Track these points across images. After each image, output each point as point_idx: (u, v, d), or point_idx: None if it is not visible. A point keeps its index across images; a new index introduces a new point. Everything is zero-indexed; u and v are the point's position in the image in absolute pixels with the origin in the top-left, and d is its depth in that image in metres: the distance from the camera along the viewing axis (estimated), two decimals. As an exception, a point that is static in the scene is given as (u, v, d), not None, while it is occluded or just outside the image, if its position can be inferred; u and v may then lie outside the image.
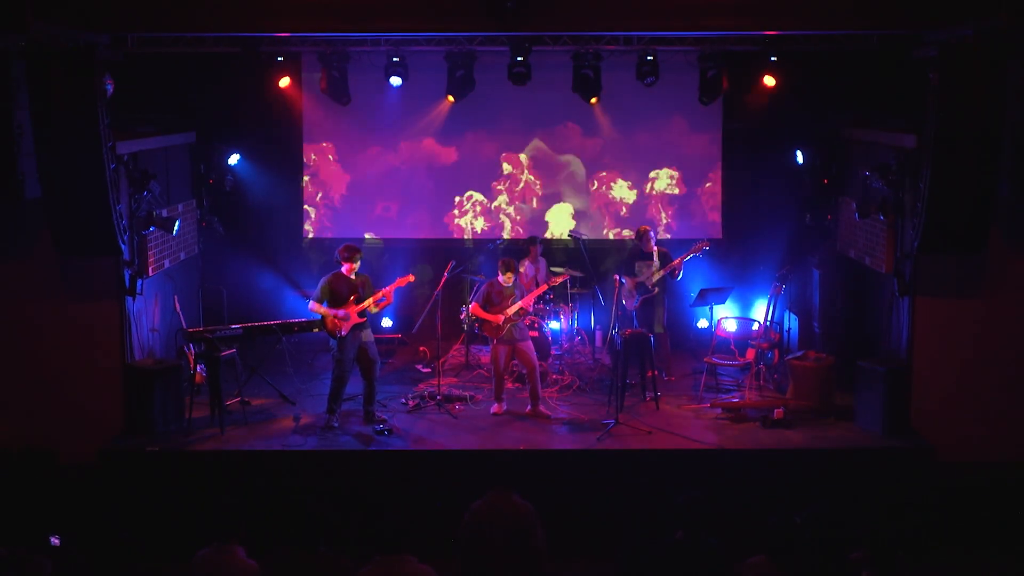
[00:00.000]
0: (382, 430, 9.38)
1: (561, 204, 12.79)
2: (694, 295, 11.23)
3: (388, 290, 9.56)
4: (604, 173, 12.74)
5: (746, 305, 12.32)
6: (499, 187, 12.80)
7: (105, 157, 8.45)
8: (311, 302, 9.51)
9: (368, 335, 9.65)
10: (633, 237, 11.54)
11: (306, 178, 12.78)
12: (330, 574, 5.54)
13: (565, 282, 11.23)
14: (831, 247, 11.67)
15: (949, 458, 8.99)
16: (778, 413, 9.57)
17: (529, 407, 9.92)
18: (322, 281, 9.53)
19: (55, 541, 5.54)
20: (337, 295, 9.43)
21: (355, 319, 9.43)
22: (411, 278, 9.78)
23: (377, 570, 5.43)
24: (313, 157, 12.75)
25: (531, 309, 10.05)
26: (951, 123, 8.29)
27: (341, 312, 9.39)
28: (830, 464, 8.95)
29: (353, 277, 9.49)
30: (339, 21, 8.78)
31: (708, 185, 12.68)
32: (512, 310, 9.76)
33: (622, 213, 12.76)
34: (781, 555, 5.32)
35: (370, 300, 9.46)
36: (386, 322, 12.45)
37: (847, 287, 11.33)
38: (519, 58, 10.41)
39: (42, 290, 9.43)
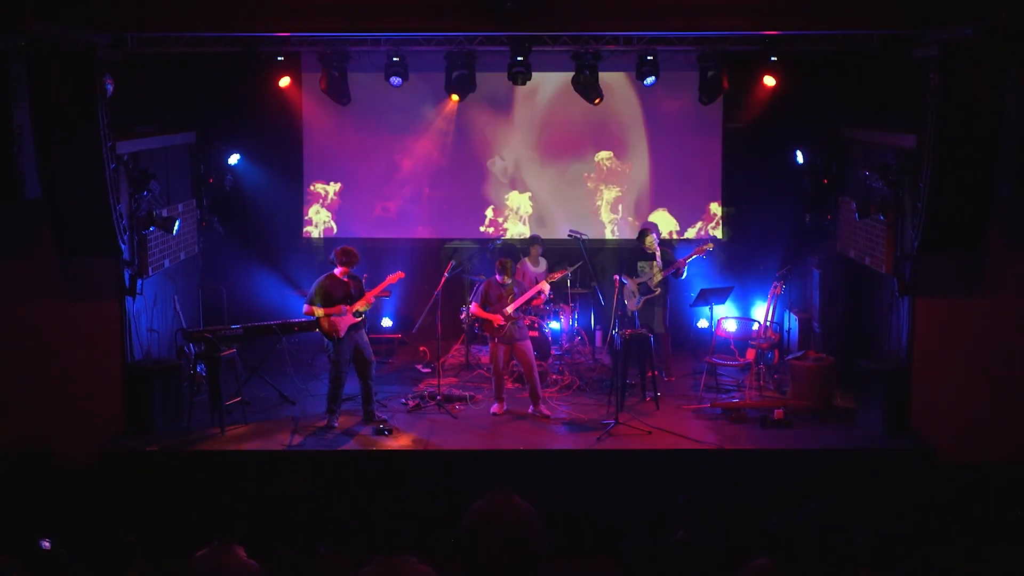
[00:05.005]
0: (382, 430, 9.38)
1: (559, 202, 12.80)
2: (694, 295, 11.23)
3: (381, 288, 9.63)
4: (604, 173, 12.74)
5: (746, 305, 12.32)
6: (498, 186, 12.80)
7: (105, 157, 8.45)
8: (305, 305, 9.50)
9: (363, 335, 9.66)
10: (635, 237, 11.53)
11: (306, 178, 12.78)
12: (330, 574, 5.54)
13: (566, 283, 11.23)
14: (831, 247, 11.67)
15: (949, 458, 8.99)
16: (778, 413, 9.57)
17: (531, 407, 9.93)
18: (315, 284, 9.53)
19: (45, 545, 5.53)
20: (331, 297, 9.43)
21: (351, 319, 9.44)
22: (401, 274, 9.81)
23: (377, 570, 5.44)
24: (312, 157, 12.76)
25: (547, 294, 10.01)
26: (951, 123, 8.28)
27: (336, 310, 9.38)
28: (830, 464, 8.95)
29: (346, 279, 9.50)
30: (339, 21, 8.78)
31: (708, 185, 12.67)
32: (510, 309, 9.76)
33: (622, 213, 12.75)
34: (782, 556, 5.32)
35: (363, 300, 9.47)
36: (386, 322, 12.46)
37: (847, 287, 11.33)
38: (519, 58, 10.41)
39: (42, 290, 9.43)
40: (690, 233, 12.61)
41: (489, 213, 12.79)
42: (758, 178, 12.45)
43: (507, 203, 12.81)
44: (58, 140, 8.34)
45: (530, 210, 12.82)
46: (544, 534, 6.21)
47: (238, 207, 12.50)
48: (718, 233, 12.65)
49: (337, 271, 9.50)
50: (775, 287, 10.88)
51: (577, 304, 11.97)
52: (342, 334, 9.42)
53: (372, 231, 12.84)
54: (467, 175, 12.80)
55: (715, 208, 12.68)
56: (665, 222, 12.68)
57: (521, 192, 12.80)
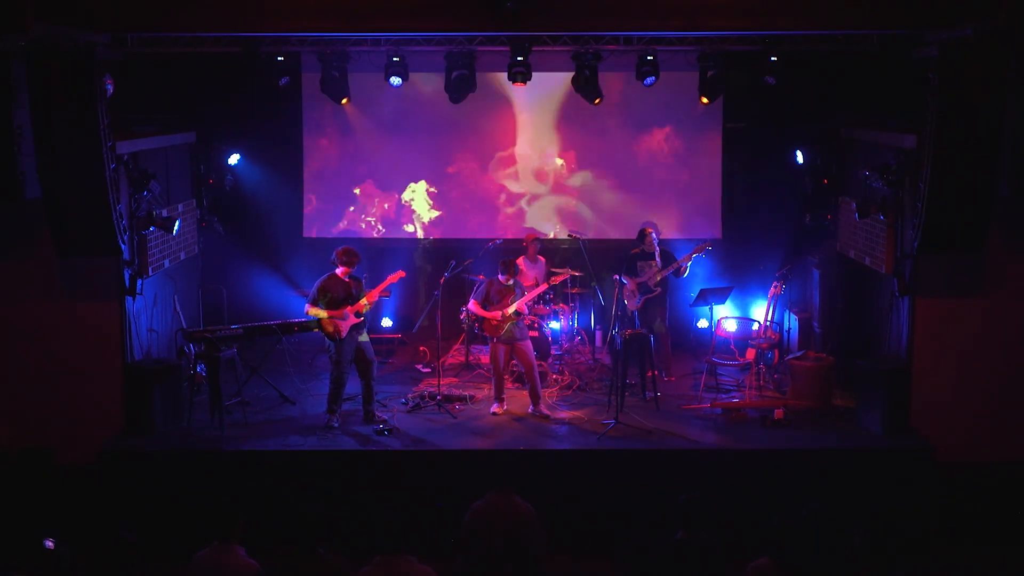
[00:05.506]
0: (382, 430, 9.38)
1: (558, 201, 12.81)
2: (694, 295, 11.23)
3: (382, 288, 9.66)
4: (604, 173, 12.74)
5: (746, 305, 12.32)
6: (497, 185, 12.80)
7: (105, 157, 8.45)
8: (307, 306, 9.50)
9: (365, 335, 9.66)
10: (635, 237, 11.53)
11: (306, 178, 12.78)
12: (330, 574, 5.55)
13: (565, 282, 11.22)
14: (831, 247, 11.67)
15: (949, 458, 8.98)
16: (778, 413, 9.57)
17: (531, 407, 9.93)
18: (317, 284, 9.53)
19: (49, 544, 5.53)
20: (332, 297, 9.43)
21: (352, 319, 9.44)
22: (402, 273, 9.82)
23: (377, 570, 5.44)
24: (313, 157, 12.76)
25: (526, 311, 10.04)
26: (951, 123, 8.28)
27: (339, 313, 9.39)
28: (830, 464, 8.95)
29: (347, 280, 9.50)
30: (339, 21, 8.78)
31: (708, 185, 12.67)
32: (510, 309, 9.77)
33: (622, 213, 12.74)
34: (782, 556, 5.32)
35: (365, 300, 9.48)
36: (386, 322, 12.46)
37: (847, 287, 11.33)
38: (519, 58, 10.41)
39: (42, 290, 9.43)
40: (690, 233, 12.60)
41: (489, 212, 12.80)
42: (758, 178, 12.46)
43: (506, 202, 12.82)
44: (58, 140, 8.35)
45: (528, 209, 12.82)
46: (544, 534, 6.22)
47: (238, 207, 12.50)
48: (718, 233, 12.64)
49: (339, 271, 9.50)
50: (775, 287, 10.88)
51: (577, 304, 11.98)
52: (344, 335, 9.41)
53: (372, 231, 12.84)
54: (467, 175, 12.79)
55: (714, 208, 12.67)
56: (665, 222, 12.67)
57: (521, 190, 12.80)
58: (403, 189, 12.80)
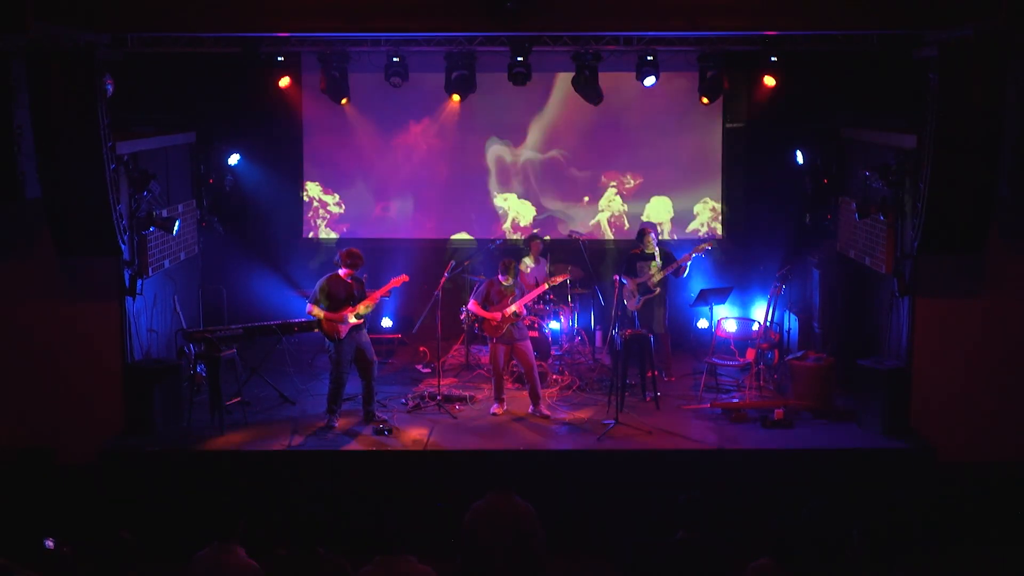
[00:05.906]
0: (382, 430, 9.39)
1: (559, 202, 12.81)
2: (694, 295, 11.23)
3: (384, 291, 9.64)
4: (604, 173, 12.74)
5: (746, 305, 12.32)
6: (498, 186, 12.81)
7: (105, 157, 8.45)
8: (308, 305, 9.51)
9: (365, 336, 9.66)
10: (634, 238, 11.53)
11: (306, 178, 12.78)
12: (330, 574, 5.55)
13: (565, 282, 11.24)
14: (831, 247, 11.66)
15: (949, 458, 8.99)
16: (778, 413, 9.57)
17: (531, 408, 9.93)
18: (318, 284, 9.54)
19: (49, 544, 5.54)
20: (333, 298, 9.43)
21: (352, 321, 9.43)
22: (405, 278, 9.81)
23: (377, 570, 5.44)
24: (313, 157, 12.76)
25: (524, 312, 10.04)
26: (951, 123, 8.28)
27: (339, 317, 9.39)
28: (830, 464, 8.95)
29: (349, 281, 9.50)
30: (339, 21, 8.78)
31: (708, 185, 12.67)
32: (510, 310, 9.77)
33: (622, 213, 12.75)
34: (783, 556, 5.32)
35: (366, 302, 9.47)
36: (386, 322, 12.45)
37: (847, 287, 11.32)
38: (519, 58, 10.41)
39: (42, 290, 9.43)
40: (690, 233, 12.61)
41: (489, 212, 12.81)
42: (758, 178, 12.46)
43: (507, 202, 12.82)
44: (58, 140, 8.34)
45: (532, 210, 12.82)
46: (544, 534, 6.22)
47: (238, 207, 12.50)
48: (717, 233, 12.64)
49: (341, 272, 9.50)
50: (775, 287, 10.88)
51: (577, 304, 11.97)
52: (343, 335, 9.41)
53: (373, 231, 12.84)
54: (467, 175, 12.80)
55: (715, 208, 12.68)
56: (665, 222, 12.68)
57: (520, 190, 12.81)
58: (403, 189, 12.80)
